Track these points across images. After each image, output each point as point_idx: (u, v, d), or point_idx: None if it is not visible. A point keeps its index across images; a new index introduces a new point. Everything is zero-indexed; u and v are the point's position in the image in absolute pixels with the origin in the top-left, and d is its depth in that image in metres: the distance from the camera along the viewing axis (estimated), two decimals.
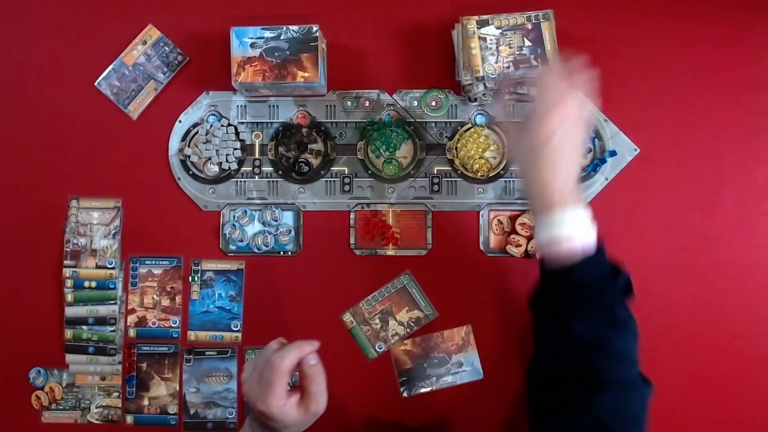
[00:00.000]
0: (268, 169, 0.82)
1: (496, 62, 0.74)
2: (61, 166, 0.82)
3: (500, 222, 0.80)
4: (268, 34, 0.75)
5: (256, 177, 0.82)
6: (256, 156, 0.82)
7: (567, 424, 0.59)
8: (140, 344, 0.82)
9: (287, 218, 0.82)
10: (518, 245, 0.80)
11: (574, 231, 0.62)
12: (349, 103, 0.82)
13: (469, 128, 0.81)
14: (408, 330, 0.80)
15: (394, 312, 0.80)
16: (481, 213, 0.81)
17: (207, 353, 0.81)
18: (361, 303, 0.80)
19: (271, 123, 0.82)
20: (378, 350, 0.79)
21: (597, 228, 0.63)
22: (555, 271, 0.63)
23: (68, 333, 0.81)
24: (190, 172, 0.82)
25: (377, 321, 0.80)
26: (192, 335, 0.81)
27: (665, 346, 0.80)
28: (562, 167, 0.64)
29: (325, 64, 0.80)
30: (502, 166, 0.81)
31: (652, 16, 0.81)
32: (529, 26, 0.74)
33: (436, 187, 0.81)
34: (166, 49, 0.82)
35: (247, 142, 0.82)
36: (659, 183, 0.80)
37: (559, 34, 0.75)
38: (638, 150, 0.80)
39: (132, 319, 0.82)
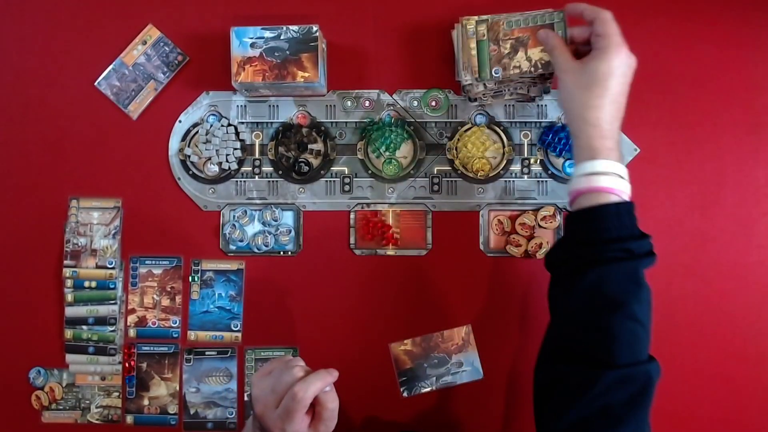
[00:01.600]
0: (268, 169, 0.82)
1: None
2: (61, 166, 0.82)
3: (500, 222, 0.80)
4: (268, 34, 0.75)
5: (256, 177, 0.82)
6: (256, 156, 0.82)
7: (574, 408, 0.59)
8: (140, 344, 0.82)
9: (287, 218, 0.82)
10: (518, 245, 0.80)
11: (613, 176, 0.63)
12: (349, 103, 0.82)
13: (469, 128, 0.81)
14: (532, 69, 0.73)
15: (530, 45, 0.73)
16: (481, 213, 0.81)
17: (207, 353, 0.81)
18: (502, 21, 0.73)
19: (271, 123, 0.82)
20: (495, 74, 0.73)
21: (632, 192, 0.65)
22: (586, 210, 0.63)
23: (68, 333, 0.81)
24: (190, 172, 0.82)
25: (508, 46, 0.73)
26: (192, 335, 0.82)
27: (665, 346, 0.79)
28: (611, 113, 0.65)
29: (325, 64, 0.80)
30: (502, 166, 0.81)
31: (652, 16, 0.81)
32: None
33: (436, 187, 0.81)
34: (166, 49, 0.82)
35: (247, 142, 0.82)
36: (659, 183, 0.80)
37: None
38: (638, 150, 0.80)
39: (132, 319, 0.82)
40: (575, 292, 0.63)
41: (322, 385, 0.61)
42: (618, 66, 0.65)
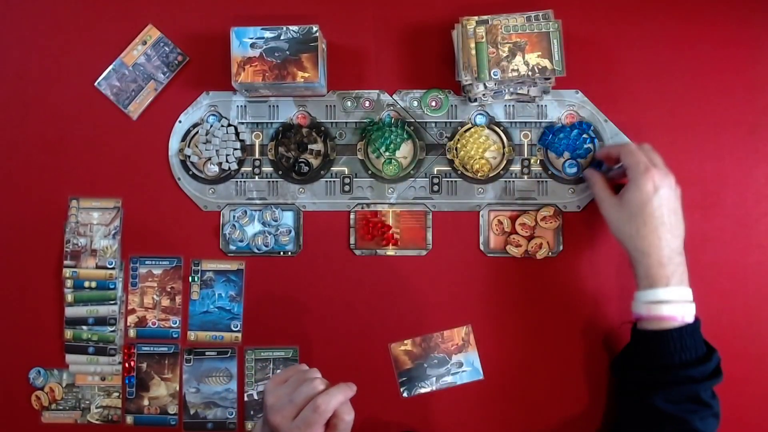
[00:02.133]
0: (268, 169, 0.82)
1: None
2: (61, 166, 0.82)
3: (500, 222, 0.80)
4: (268, 34, 0.75)
5: (256, 177, 0.82)
6: (256, 156, 0.82)
7: None
8: (140, 344, 0.82)
9: (287, 218, 0.82)
10: (518, 245, 0.80)
11: (674, 304, 0.67)
12: (349, 103, 0.82)
13: (469, 128, 0.81)
14: (528, 74, 0.74)
15: (527, 50, 0.74)
16: (481, 213, 0.81)
17: (207, 353, 0.81)
18: (500, 25, 0.74)
19: (271, 123, 0.82)
20: (493, 76, 0.74)
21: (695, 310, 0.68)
22: (648, 334, 0.67)
23: (68, 333, 0.81)
24: (190, 172, 0.82)
25: (506, 49, 0.74)
26: (192, 335, 0.81)
27: None
28: (665, 237, 0.67)
29: (325, 64, 0.80)
30: (502, 166, 0.81)
31: (652, 16, 0.81)
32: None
33: (436, 187, 0.81)
34: (166, 49, 0.82)
35: (247, 142, 0.82)
36: None
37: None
38: None
39: (132, 319, 0.82)
40: (641, 409, 0.68)
41: (343, 398, 0.62)
42: (651, 190, 0.68)
